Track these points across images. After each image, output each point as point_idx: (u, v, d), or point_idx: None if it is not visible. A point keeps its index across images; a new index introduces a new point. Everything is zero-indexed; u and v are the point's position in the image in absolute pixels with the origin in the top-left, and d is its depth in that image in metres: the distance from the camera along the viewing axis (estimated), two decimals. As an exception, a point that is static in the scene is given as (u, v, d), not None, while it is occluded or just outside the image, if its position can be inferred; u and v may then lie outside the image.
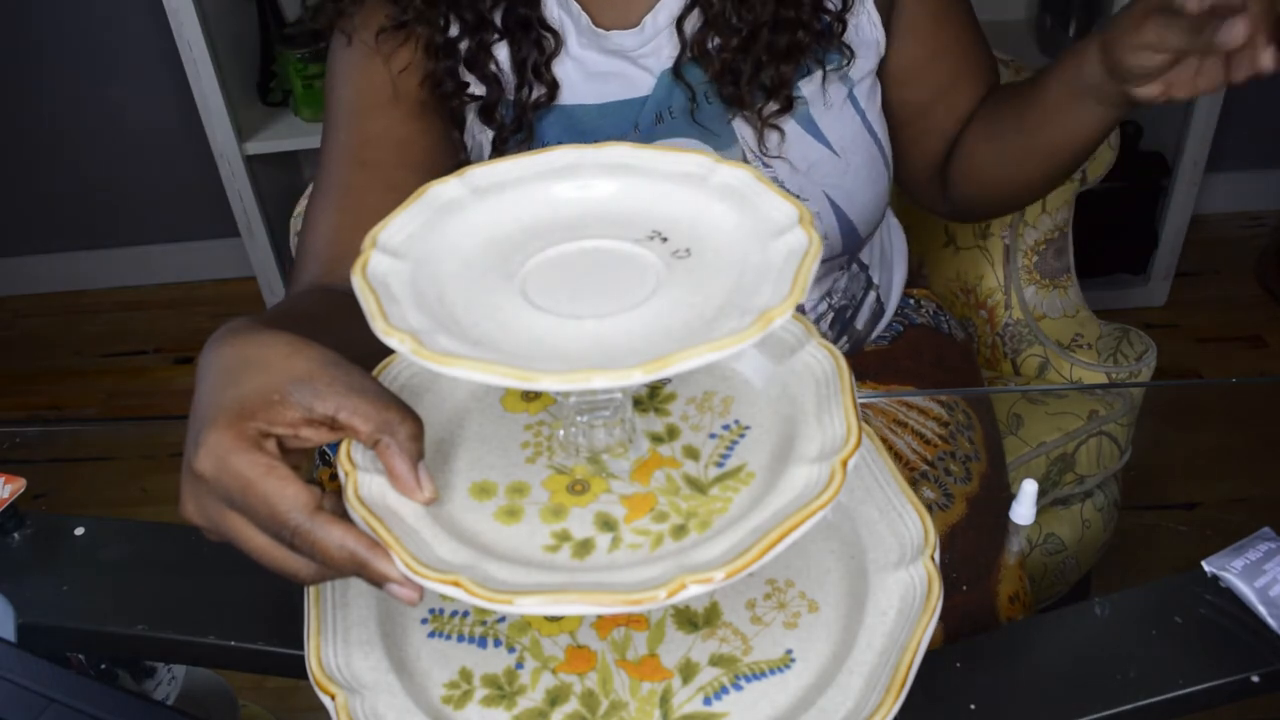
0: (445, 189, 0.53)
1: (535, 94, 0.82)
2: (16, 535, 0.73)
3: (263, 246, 2.01)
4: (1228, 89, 1.96)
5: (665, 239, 0.51)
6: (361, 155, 0.81)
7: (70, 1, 2.04)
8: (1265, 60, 0.59)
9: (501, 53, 0.82)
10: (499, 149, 0.84)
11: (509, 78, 0.83)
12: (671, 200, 0.52)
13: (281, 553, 0.47)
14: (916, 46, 0.85)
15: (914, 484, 0.59)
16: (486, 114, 0.83)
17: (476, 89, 0.83)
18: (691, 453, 0.53)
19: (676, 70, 0.81)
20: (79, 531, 0.73)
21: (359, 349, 0.51)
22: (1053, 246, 1.28)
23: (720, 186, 0.52)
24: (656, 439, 0.54)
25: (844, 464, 0.46)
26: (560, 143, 0.82)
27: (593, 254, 0.50)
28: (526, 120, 0.82)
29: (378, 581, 0.46)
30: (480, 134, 0.85)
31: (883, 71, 0.87)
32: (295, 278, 0.80)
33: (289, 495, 0.46)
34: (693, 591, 0.43)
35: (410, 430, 0.48)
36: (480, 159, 0.85)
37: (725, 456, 0.53)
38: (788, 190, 0.85)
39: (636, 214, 0.52)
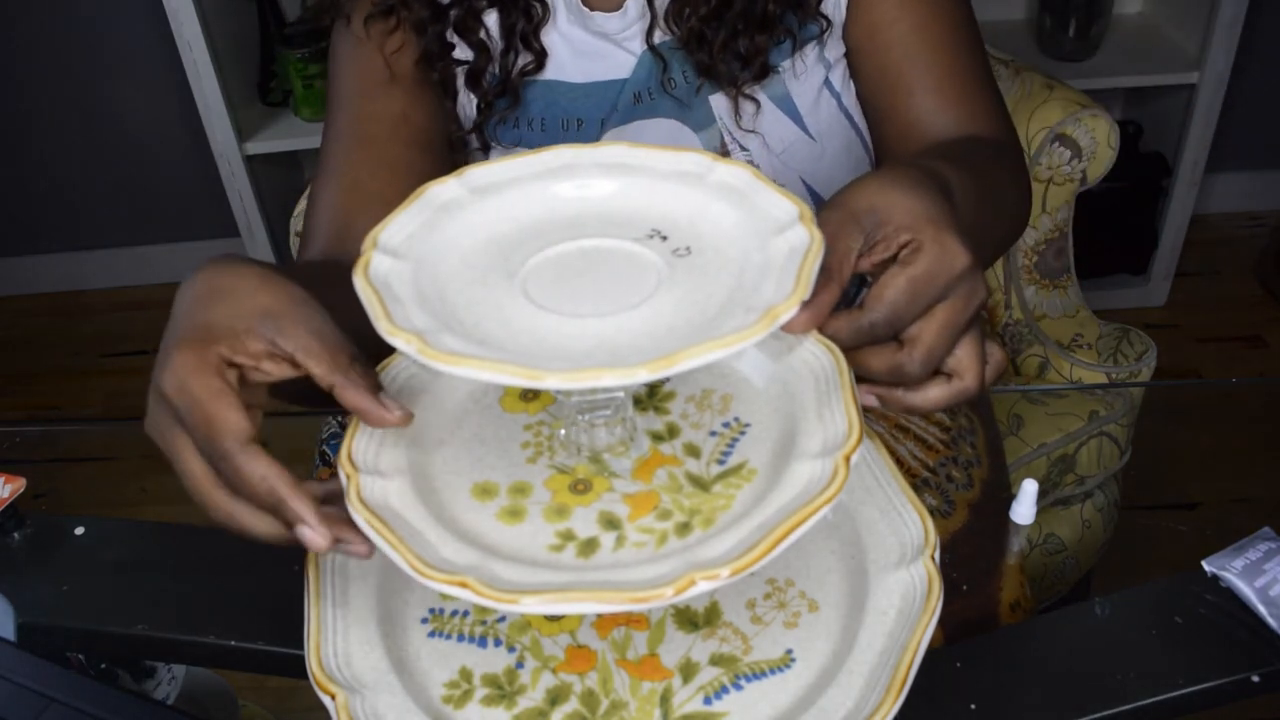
0: (444, 189, 0.53)
1: (522, 62, 0.83)
2: (16, 535, 0.73)
3: (263, 246, 2.01)
4: (1228, 89, 1.96)
5: (665, 237, 0.51)
6: (360, 133, 0.83)
7: (70, 2, 2.04)
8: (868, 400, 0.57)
9: (491, 19, 0.83)
10: (485, 115, 0.85)
11: (497, 44, 0.83)
12: (670, 199, 0.52)
13: (209, 485, 0.49)
14: (875, 9, 0.82)
15: (915, 490, 0.59)
16: (473, 80, 0.84)
17: (463, 53, 0.84)
18: (693, 450, 0.53)
19: (649, 42, 0.81)
20: (79, 531, 0.73)
21: (358, 312, 0.51)
22: (1053, 246, 1.28)
23: (719, 185, 0.52)
24: (657, 437, 0.54)
25: (846, 459, 0.46)
26: (543, 117, 0.83)
27: (592, 253, 0.50)
28: (511, 86, 0.83)
29: (290, 522, 0.47)
30: (470, 104, 0.86)
31: (848, 40, 0.85)
32: (300, 255, 0.82)
33: (229, 420, 0.47)
34: (702, 588, 0.43)
35: (363, 367, 0.49)
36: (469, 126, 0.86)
37: (726, 454, 0.53)
38: (762, 173, 0.85)
39: (635, 213, 0.52)
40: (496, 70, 0.84)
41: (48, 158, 2.23)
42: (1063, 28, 1.92)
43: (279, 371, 0.50)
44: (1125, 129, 1.71)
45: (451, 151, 0.85)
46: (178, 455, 0.49)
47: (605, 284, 0.48)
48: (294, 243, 1.29)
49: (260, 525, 0.49)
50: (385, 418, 0.49)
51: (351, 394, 0.49)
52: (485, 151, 0.88)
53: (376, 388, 0.50)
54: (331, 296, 0.53)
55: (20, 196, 2.28)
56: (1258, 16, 1.94)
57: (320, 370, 0.49)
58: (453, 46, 0.84)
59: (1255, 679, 0.58)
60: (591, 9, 0.82)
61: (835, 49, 0.84)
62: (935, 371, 0.55)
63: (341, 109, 0.84)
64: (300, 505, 0.47)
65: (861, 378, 0.55)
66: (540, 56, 0.83)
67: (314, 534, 0.47)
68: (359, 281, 0.46)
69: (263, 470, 0.47)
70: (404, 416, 0.50)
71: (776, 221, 0.49)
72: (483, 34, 0.83)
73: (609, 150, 0.54)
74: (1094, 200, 1.47)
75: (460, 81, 0.85)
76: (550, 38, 0.83)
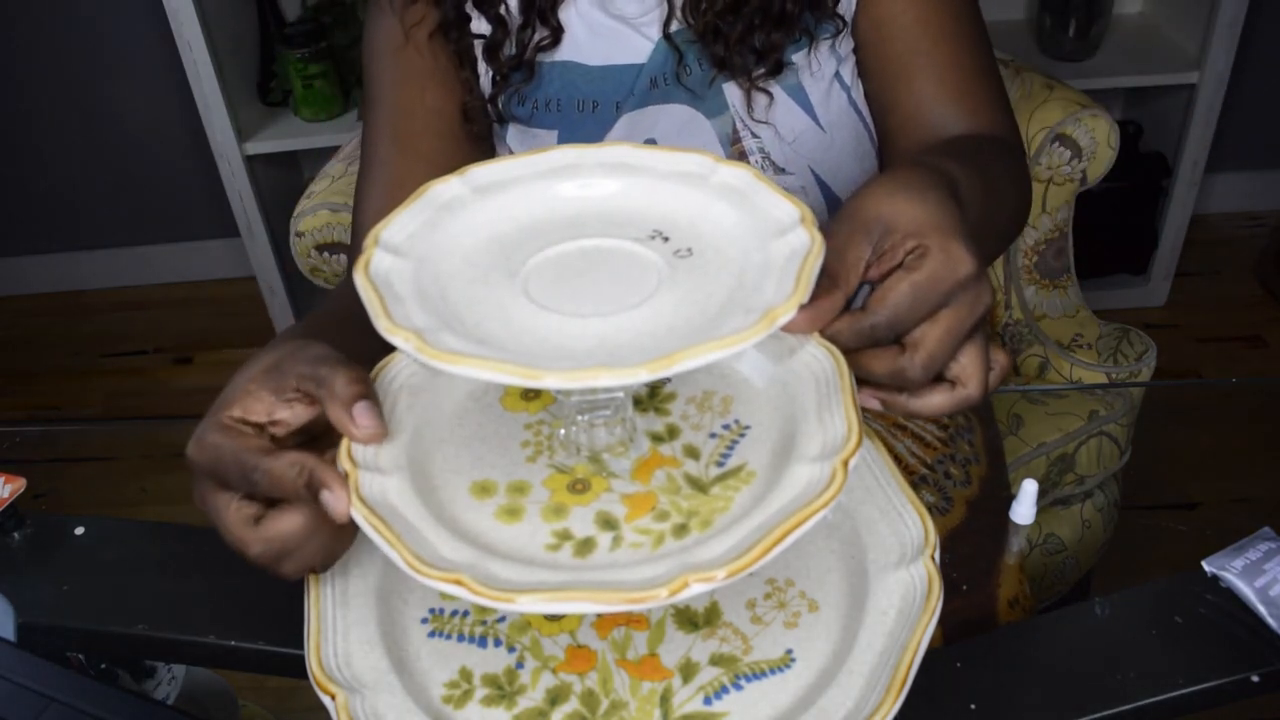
0: (446, 188, 0.53)
1: (538, 37, 0.84)
2: (16, 535, 0.73)
3: (263, 246, 2.01)
4: (1228, 89, 1.95)
5: (666, 238, 0.51)
6: (398, 129, 0.85)
7: (70, 2, 2.04)
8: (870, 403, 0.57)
9: None
10: (499, 88, 0.86)
11: (515, 19, 0.84)
12: (672, 199, 0.52)
13: (243, 527, 0.51)
14: (879, 5, 0.83)
15: (913, 487, 0.59)
16: (490, 53, 0.85)
17: (480, 26, 0.85)
18: (692, 452, 0.53)
19: (666, 32, 0.82)
20: (79, 531, 0.73)
21: None
22: (1053, 246, 1.28)
23: (721, 186, 0.52)
24: (657, 438, 0.54)
25: (845, 463, 0.46)
26: (559, 98, 0.84)
27: (594, 253, 0.50)
28: (527, 60, 0.84)
29: (317, 486, 0.48)
30: (486, 77, 0.87)
31: (855, 35, 0.85)
32: (351, 256, 0.86)
33: (249, 445, 0.50)
34: (695, 590, 0.43)
35: (348, 376, 0.50)
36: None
37: (726, 456, 0.53)
38: (773, 161, 0.85)
39: (637, 213, 0.52)
40: (513, 45, 0.85)
41: (48, 158, 2.24)
42: (1063, 28, 1.92)
43: (295, 416, 0.52)
44: (1125, 129, 1.72)
45: (466, 122, 0.86)
46: (215, 510, 0.52)
47: (606, 284, 0.48)
48: (294, 243, 1.29)
49: (292, 523, 0.50)
50: (352, 431, 0.50)
51: (328, 405, 0.50)
52: (501, 124, 0.89)
53: (357, 397, 0.50)
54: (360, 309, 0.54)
55: (20, 196, 2.28)
56: (1258, 16, 1.94)
57: (311, 385, 0.51)
58: (470, 18, 0.85)
59: (1255, 679, 0.58)
60: None
61: (845, 44, 0.84)
62: (939, 377, 0.55)
63: (380, 102, 0.86)
64: (327, 472, 0.48)
65: (865, 380, 0.55)
66: (557, 33, 0.83)
67: (334, 497, 0.48)
68: (359, 279, 0.46)
69: (290, 458, 0.49)
70: (372, 435, 0.50)
71: (778, 223, 0.49)
72: (502, 8, 0.84)
73: (612, 150, 0.54)
74: (1094, 200, 1.47)
75: (478, 53, 0.86)
76: (568, 16, 0.84)
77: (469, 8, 0.84)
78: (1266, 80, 2.13)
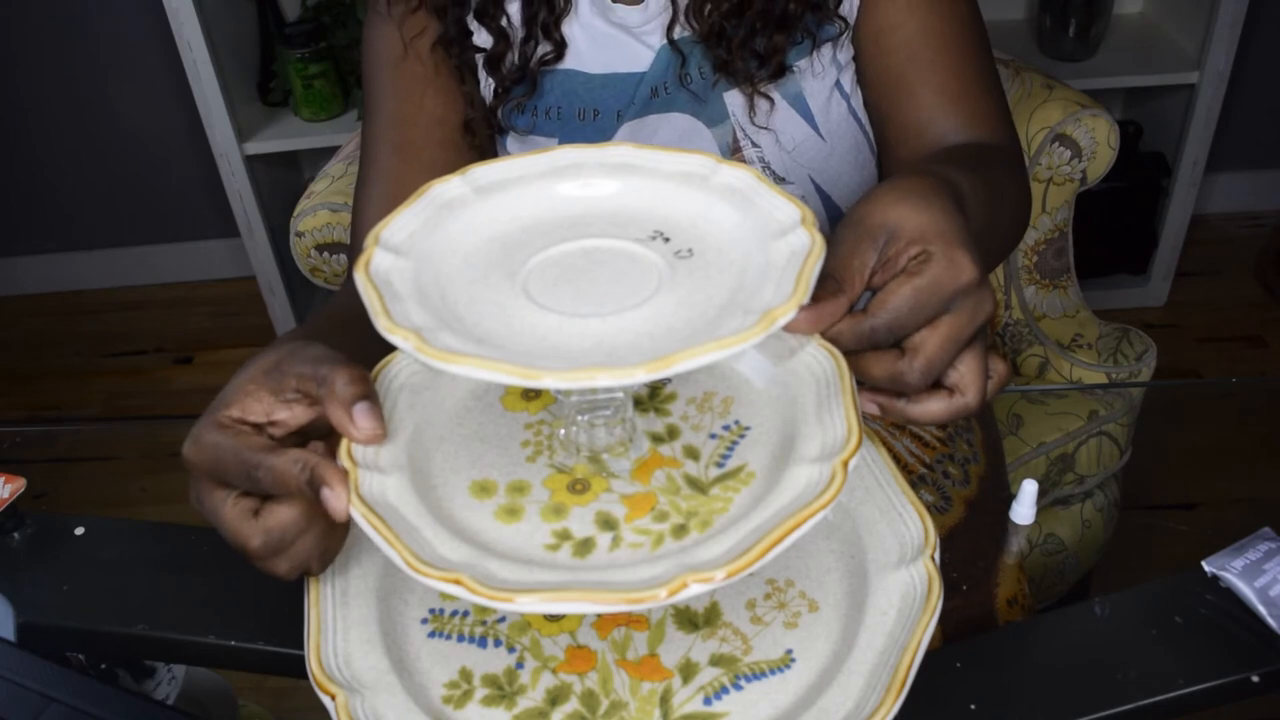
0: (447, 187, 0.53)
1: (541, 51, 0.84)
2: (16, 535, 0.73)
3: (263, 246, 2.01)
4: (1228, 89, 1.95)
5: (667, 239, 0.51)
6: (397, 137, 0.84)
7: (70, 2, 2.04)
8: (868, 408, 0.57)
9: (513, 7, 0.84)
10: (500, 100, 0.86)
11: (517, 32, 0.84)
12: (674, 200, 0.52)
13: (241, 521, 0.51)
14: (882, 13, 0.82)
15: (912, 487, 0.59)
16: (492, 65, 0.85)
17: (481, 39, 0.85)
18: (692, 452, 0.53)
19: (670, 36, 0.82)
20: (79, 531, 0.73)
21: None
22: (1053, 246, 1.28)
23: (722, 187, 0.52)
24: (657, 439, 0.54)
25: (845, 464, 0.46)
26: (559, 106, 0.84)
27: (595, 253, 0.50)
28: (530, 74, 0.84)
29: (319, 483, 0.48)
30: (487, 88, 0.87)
31: (855, 44, 0.85)
32: (351, 261, 0.85)
33: (251, 443, 0.50)
34: (694, 590, 0.43)
35: (347, 376, 0.50)
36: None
37: (726, 456, 0.53)
38: (773, 170, 0.85)
39: (639, 214, 0.52)
40: (515, 58, 0.84)
41: (48, 158, 2.24)
42: (1063, 28, 1.92)
43: (294, 417, 0.52)
44: (1125, 129, 1.72)
45: (465, 134, 0.86)
46: (212, 507, 0.52)
47: (606, 284, 0.48)
48: (294, 243, 1.29)
49: (290, 513, 0.50)
50: (352, 433, 0.50)
51: (328, 405, 0.50)
52: (501, 134, 0.89)
53: (358, 397, 0.50)
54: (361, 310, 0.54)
55: (21, 197, 2.28)
56: (1258, 16, 1.94)
57: (311, 386, 0.51)
58: (471, 33, 0.84)
59: (1255, 679, 0.58)
60: (614, 1, 0.83)
61: (846, 51, 0.84)
62: (937, 384, 0.55)
63: (379, 110, 0.85)
64: (329, 470, 0.48)
65: (864, 384, 0.55)
66: (560, 47, 0.84)
67: (334, 495, 0.48)
68: (360, 278, 0.46)
69: (293, 455, 0.49)
70: (371, 436, 0.50)
71: (779, 224, 0.49)
72: (504, 21, 0.84)
73: (614, 150, 0.54)
74: (1094, 200, 1.47)
75: (479, 65, 0.86)
76: (570, 28, 0.84)
77: (470, 21, 0.84)
78: (1266, 80, 2.13)
